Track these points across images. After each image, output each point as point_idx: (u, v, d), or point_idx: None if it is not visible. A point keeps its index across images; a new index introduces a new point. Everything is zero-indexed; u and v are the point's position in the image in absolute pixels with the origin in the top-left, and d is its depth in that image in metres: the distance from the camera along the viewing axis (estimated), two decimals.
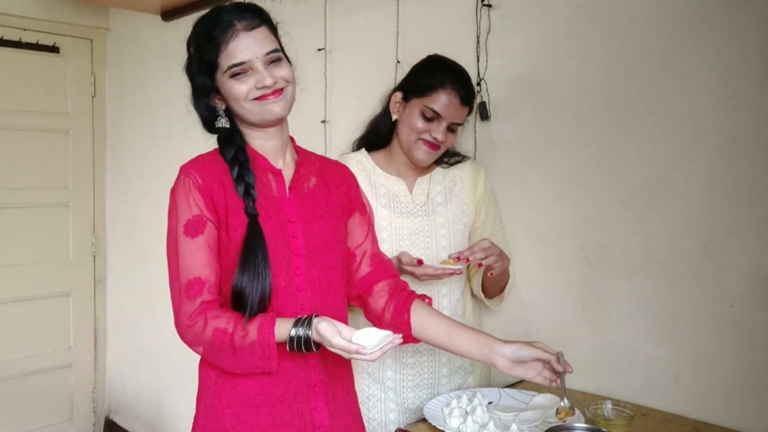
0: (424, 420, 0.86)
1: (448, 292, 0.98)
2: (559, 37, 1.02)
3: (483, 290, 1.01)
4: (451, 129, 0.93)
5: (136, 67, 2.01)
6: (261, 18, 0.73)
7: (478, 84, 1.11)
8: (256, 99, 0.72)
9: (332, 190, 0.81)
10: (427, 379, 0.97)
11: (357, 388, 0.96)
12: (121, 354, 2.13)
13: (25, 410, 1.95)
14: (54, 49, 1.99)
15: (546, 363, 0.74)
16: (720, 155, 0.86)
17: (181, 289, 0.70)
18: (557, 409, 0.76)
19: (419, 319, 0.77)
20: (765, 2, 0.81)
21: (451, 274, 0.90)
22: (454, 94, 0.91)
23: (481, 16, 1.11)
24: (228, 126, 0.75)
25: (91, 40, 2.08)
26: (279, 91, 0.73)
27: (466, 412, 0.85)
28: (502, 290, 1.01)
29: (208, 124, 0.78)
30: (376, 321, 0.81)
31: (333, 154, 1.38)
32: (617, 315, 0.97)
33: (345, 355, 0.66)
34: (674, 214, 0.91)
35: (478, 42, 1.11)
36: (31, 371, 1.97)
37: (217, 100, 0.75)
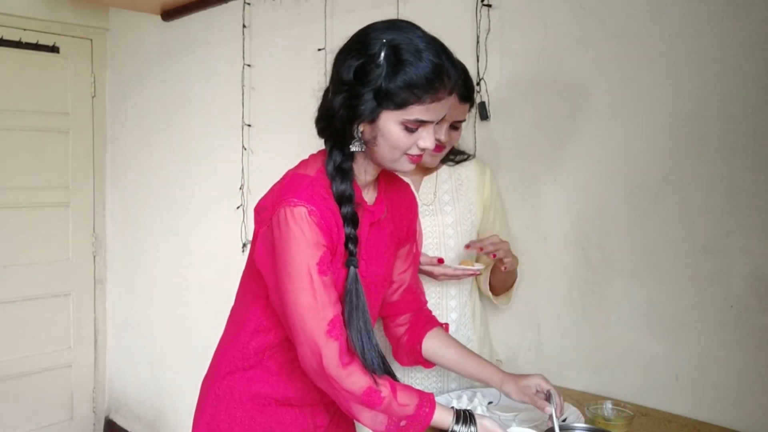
0: None
1: (456, 294, 0.97)
2: (559, 36, 1.02)
3: (491, 288, 1.00)
4: (454, 127, 0.92)
5: (136, 67, 2.00)
6: (457, 83, 0.67)
7: (478, 84, 1.10)
8: (407, 154, 0.67)
9: (396, 222, 0.78)
10: (435, 381, 0.97)
11: None
12: (121, 354, 2.12)
13: (25, 410, 1.95)
14: (54, 49, 1.99)
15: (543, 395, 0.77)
16: (720, 155, 0.86)
17: (323, 330, 0.65)
18: None
19: (430, 349, 0.82)
20: (765, 2, 0.81)
21: (471, 274, 0.90)
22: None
23: (480, 15, 1.10)
24: (360, 150, 0.68)
25: (91, 40, 2.08)
26: (423, 154, 0.69)
27: None
28: (509, 289, 1.01)
29: (328, 133, 0.69)
30: (393, 342, 0.86)
31: None
32: (617, 315, 0.97)
33: None
34: (674, 214, 0.90)
35: (477, 42, 1.11)
36: (31, 371, 1.96)
37: (364, 127, 0.66)
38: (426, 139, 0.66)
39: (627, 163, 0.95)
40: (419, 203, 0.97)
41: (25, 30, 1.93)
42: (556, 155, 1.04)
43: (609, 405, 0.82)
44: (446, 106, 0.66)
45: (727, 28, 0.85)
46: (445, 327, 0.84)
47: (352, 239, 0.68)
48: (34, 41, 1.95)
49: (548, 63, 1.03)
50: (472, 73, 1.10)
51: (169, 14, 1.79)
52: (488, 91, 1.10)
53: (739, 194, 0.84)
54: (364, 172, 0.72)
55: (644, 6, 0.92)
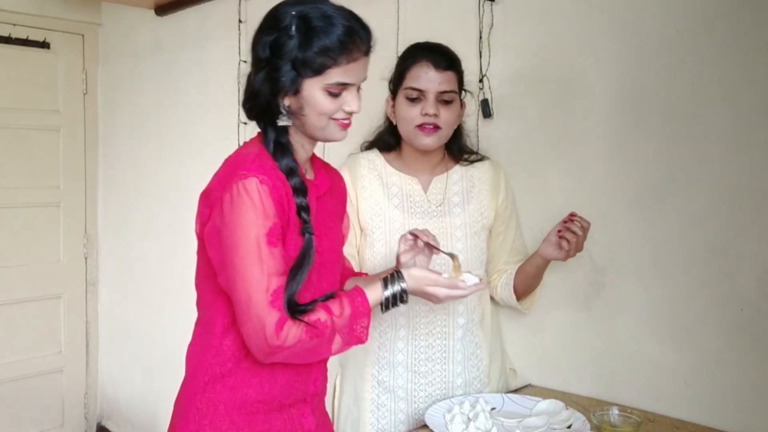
0: (425, 426, 0.84)
1: (464, 299, 0.94)
2: (563, 32, 1.00)
3: (515, 292, 0.97)
4: (445, 101, 0.89)
5: (129, 63, 1.97)
6: (371, 45, 0.70)
7: (481, 81, 1.08)
8: (334, 119, 0.70)
9: (335, 199, 0.80)
10: (440, 389, 0.94)
11: (365, 396, 0.95)
12: (113, 358, 2.09)
13: (15, 416, 1.91)
14: (45, 45, 1.96)
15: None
16: (729, 154, 0.84)
17: (264, 301, 0.65)
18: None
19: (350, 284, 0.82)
20: None
21: (476, 290, 0.85)
22: (425, 63, 0.88)
23: (483, 10, 1.08)
24: (288, 125, 0.70)
25: (83, 35, 2.04)
26: (350, 119, 0.71)
27: (468, 418, 0.82)
28: (532, 291, 0.97)
29: (256, 112, 0.71)
30: None
31: (333, 152, 1.35)
32: (623, 318, 0.95)
33: (442, 291, 0.71)
34: (682, 214, 0.89)
35: (480, 37, 1.09)
36: (20, 376, 1.92)
37: (288, 100, 0.69)
38: (351, 102, 0.69)
39: (633, 161, 0.93)
40: (428, 203, 0.94)
41: (15, 25, 1.89)
42: (561, 154, 1.02)
43: (615, 411, 0.81)
44: (364, 67, 0.69)
45: (738, 23, 0.83)
46: (364, 275, 0.85)
47: (304, 208, 0.69)
48: (24, 37, 1.91)
49: (553, 59, 1.02)
50: (475, 69, 1.08)
51: (162, 9, 1.76)
52: (491, 88, 1.08)
53: (749, 194, 0.83)
54: (301, 148, 0.73)
55: (651, 1, 0.90)
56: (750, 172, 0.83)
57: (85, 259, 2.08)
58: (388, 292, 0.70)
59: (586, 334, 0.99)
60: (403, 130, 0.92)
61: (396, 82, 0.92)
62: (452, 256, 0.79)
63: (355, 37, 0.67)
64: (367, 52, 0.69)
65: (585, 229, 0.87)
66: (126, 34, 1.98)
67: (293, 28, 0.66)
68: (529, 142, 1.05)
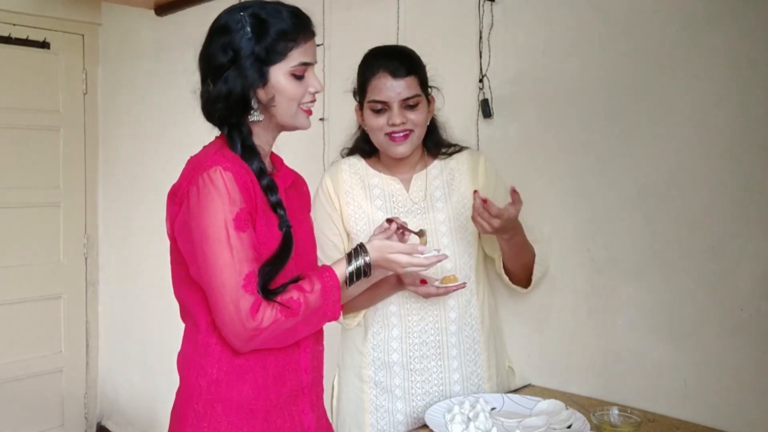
0: (425, 426, 0.84)
1: (455, 293, 0.94)
2: (563, 32, 1.00)
3: (507, 275, 0.96)
4: (410, 106, 0.89)
5: (129, 63, 1.97)
6: (314, 29, 0.75)
7: (481, 81, 1.08)
8: (302, 109, 0.74)
9: (299, 193, 0.82)
10: (437, 386, 0.94)
11: (364, 398, 0.95)
12: (113, 358, 2.09)
13: (15, 416, 1.91)
14: (45, 45, 1.96)
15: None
16: (728, 154, 0.84)
17: (237, 285, 0.66)
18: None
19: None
20: None
21: (455, 289, 0.87)
22: (383, 73, 0.88)
23: (483, 10, 1.08)
24: (260, 119, 0.73)
25: (83, 35, 2.05)
26: (313, 105, 0.75)
27: (468, 418, 0.82)
28: (529, 268, 0.96)
29: (222, 114, 0.73)
30: None
31: (332, 153, 1.35)
32: (624, 318, 0.95)
33: (403, 258, 0.73)
34: (682, 214, 0.89)
35: (480, 37, 1.09)
36: (20, 376, 1.93)
37: (259, 93, 0.72)
38: (314, 82, 0.74)
39: (633, 161, 0.93)
40: (411, 202, 0.95)
41: (15, 25, 1.90)
42: (561, 154, 1.02)
43: (615, 411, 0.81)
44: (315, 47, 0.74)
45: (736, 25, 0.83)
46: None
47: (279, 204, 0.72)
48: (24, 37, 1.92)
49: (552, 59, 1.02)
50: (475, 69, 1.08)
51: (162, 9, 1.77)
52: (491, 88, 1.08)
53: (749, 193, 0.83)
54: (265, 143, 0.76)
55: (651, 1, 0.91)
56: (750, 172, 0.83)
57: (85, 259, 2.08)
58: (353, 266, 0.72)
59: (586, 333, 0.99)
60: (375, 139, 0.92)
61: (359, 94, 0.93)
62: (419, 232, 0.81)
63: (303, 18, 0.72)
64: (314, 34, 0.74)
65: (486, 205, 0.83)
66: (126, 34, 1.98)
67: (248, 26, 0.70)
68: (529, 141, 1.05)
